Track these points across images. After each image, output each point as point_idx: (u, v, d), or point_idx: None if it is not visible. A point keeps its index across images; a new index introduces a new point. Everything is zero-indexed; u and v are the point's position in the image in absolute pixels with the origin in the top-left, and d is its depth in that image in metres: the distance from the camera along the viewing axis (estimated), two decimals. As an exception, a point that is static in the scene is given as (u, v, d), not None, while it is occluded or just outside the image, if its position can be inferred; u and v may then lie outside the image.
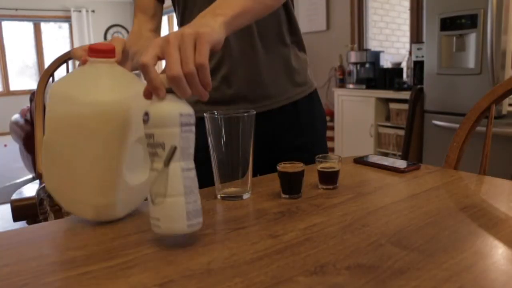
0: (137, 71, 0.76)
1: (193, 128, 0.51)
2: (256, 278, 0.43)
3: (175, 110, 0.49)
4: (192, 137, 0.51)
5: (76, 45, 6.89)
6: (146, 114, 0.49)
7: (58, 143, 0.56)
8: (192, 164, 0.51)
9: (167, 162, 0.49)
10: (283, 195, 0.70)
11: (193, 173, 0.51)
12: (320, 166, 0.74)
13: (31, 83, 6.96)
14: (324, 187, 0.74)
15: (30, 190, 1.29)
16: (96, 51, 0.56)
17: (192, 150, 0.51)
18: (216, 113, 0.68)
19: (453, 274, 0.43)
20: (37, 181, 1.35)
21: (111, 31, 7.20)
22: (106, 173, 0.56)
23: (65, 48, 7.13)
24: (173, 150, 0.49)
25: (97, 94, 0.54)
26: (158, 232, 0.50)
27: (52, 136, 0.57)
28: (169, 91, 0.50)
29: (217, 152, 0.68)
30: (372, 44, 3.84)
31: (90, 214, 0.58)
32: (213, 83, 0.93)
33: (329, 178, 0.73)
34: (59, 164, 0.57)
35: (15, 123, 3.63)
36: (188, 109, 0.50)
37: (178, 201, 0.49)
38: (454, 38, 2.40)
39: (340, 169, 0.74)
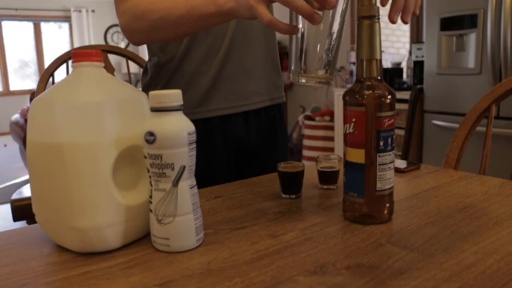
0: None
1: (195, 145, 0.51)
2: (256, 278, 0.43)
3: (184, 130, 0.48)
4: (195, 154, 0.51)
5: (76, 45, 6.89)
6: (152, 134, 0.48)
7: (37, 160, 0.50)
8: (195, 181, 0.52)
9: (176, 182, 0.49)
10: (283, 195, 0.70)
11: (196, 189, 0.52)
12: (320, 166, 0.74)
13: (31, 83, 6.96)
14: (325, 187, 0.74)
15: (30, 190, 1.29)
16: (79, 55, 0.53)
17: (194, 167, 0.51)
18: None
19: (453, 274, 0.43)
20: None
21: (111, 31, 7.20)
22: (90, 189, 0.48)
23: (65, 48, 7.12)
24: (182, 169, 0.49)
25: (74, 96, 0.50)
26: (166, 251, 0.50)
27: (31, 152, 0.51)
28: (176, 109, 0.49)
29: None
30: (372, 44, 3.83)
31: (76, 242, 0.50)
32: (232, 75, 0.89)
33: (329, 178, 0.73)
34: (41, 186, 0.51)
35: (15, 123, 3.64)
36: (192, 127, 0.50)
37: (188, 219, 0.50)
38: (454, 38, 2.40)
39: (340, 169, 0.74)
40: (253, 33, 0.90)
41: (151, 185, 0.50)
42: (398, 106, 3.03)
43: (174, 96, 0.49)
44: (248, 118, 0.93)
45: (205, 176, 0.77)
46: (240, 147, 0.94)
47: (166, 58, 0.88)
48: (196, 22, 0.66)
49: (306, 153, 3.85)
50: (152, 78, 0.91)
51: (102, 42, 7.11)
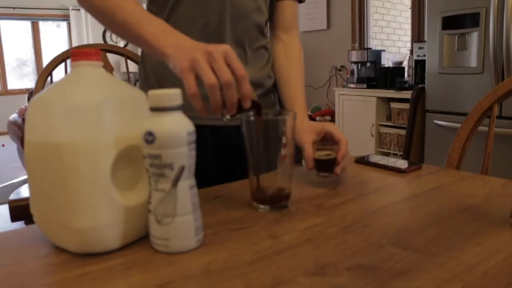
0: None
1: (195, 145, 0.50)
2: (256, 279, 0.43)
3: (183, 130, 0.48)
4: (195, 154, 0.50)
5: (74, 44, 6.88)
6: (151, 134, 0.47)
7: (35, 160, 0.50)
8: (195, 181, 0.51)
9: (176, 182, 0.48)
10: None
11: (196, 189, 0.51)
12: (317, 154, 0.75)
13: (29, 83, 6.96)
14: (322, 174, 0.75)
15: (28, 190, 1.29)
16: (78, 54, 0.52)
17: (194, 167, 0.51)
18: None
19: (454, 275, 0.42)
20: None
21: (110, 30, 7.20)
22: (89, 190, 0.48)
23: (64, 47, 7.11)
24: (182, 170, 0.48)
25: (72, 95, 0.49)
26: (165, 251, 0.50)
27: (29, 152, 0.50)
28: (176, 108, 0.49)
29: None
30: (373, 43, 3.83)
31: (75, 243, 0.49)
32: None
33: (326, 166, 0.74)
34: (39, 186, 0.50)
35: (13, 122, 3.63)
36: (192, 127, 0.50)
37: (188, 219, 0.49)
38: (456, 37, 2.39)
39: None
40: (252, 43, 0.90)
41: (150, 185, 0.50)
42: (399, 105, 3.03)
43: (173, 95, 0.49)
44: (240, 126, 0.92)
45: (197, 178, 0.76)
46: (231, 148, 0.93)
47: (157, 59, 0.87)
48: (131, 39, 0.68)
49: (306, 152, 3.84)
50: (143, 81, 0.91)
51: (101, 41, 7.11)
